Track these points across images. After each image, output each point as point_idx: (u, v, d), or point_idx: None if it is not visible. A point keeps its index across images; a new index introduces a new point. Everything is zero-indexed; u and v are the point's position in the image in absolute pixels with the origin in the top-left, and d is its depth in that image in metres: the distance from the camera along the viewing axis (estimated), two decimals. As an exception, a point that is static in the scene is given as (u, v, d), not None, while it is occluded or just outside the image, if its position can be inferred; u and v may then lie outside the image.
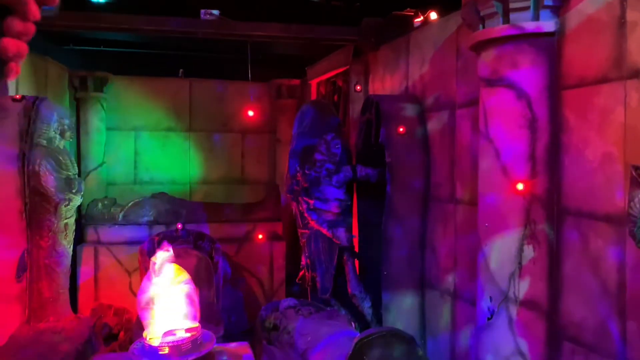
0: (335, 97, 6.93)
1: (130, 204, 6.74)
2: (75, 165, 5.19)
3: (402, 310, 4.84)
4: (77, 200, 5.28)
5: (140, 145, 8.46)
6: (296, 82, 8.59)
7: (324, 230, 4.92)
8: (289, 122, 8.65)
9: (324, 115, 5.43)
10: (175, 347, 2.94)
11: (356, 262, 5.12)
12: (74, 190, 5.07)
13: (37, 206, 4.89)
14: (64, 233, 5.11)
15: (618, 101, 2.89)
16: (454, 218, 4.44)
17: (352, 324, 4.46)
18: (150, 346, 2.98)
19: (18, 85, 5.46)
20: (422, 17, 5.79)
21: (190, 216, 6.66)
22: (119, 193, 7.74)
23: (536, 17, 3.27)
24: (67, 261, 5.33)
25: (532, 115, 3.31)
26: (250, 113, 7.08)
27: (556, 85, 3.30)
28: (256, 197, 7.89)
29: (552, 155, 3.30)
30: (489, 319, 3.43)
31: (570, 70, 3.22)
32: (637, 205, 2.08)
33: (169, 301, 2.90)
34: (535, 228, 3.30)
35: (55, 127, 4.98)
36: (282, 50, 7.48)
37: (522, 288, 3.31)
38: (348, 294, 4.97)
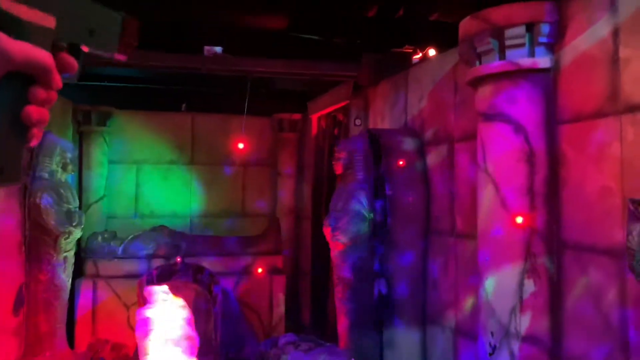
0: (336, 131, 7.00)
1: (130, 237, 6.73)
2: (77, 198, 5.22)
3: (404, 346, 4.77)
4: (77, 233, 5.28)
5: (142, 178, 8.50)
6: (297, 116, 8.69)
7: None
8: (290, 155, 8.74)
9: None
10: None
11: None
12: (74, 223, 5.08)
13: (36, 239, 4.90)
14: (63, 266, 5.11)
15: (614, 135, 2.93)
16: (454, 251, 4.43)
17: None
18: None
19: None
20: (420, 54, 5.91)
21: (190, 249, 6.64)
22: (119, 226, 7.73)
23: (532, 54, 3.34)
24: (65, 295, 5.30)
25: (529, 149, 3.34)
26: (240, 145, 6.98)
27: (553, 119, 3.34)
28: (257, 230, 7.88)
29: (550, 189, 3.31)
30: (490, 354, 3.38)
31: (567, 105, 3.27)
32: (636, 239, 2.08)
33: (166, 334, 2.87)
34: (536, 262, 3.29)
35: (57, 160, 5.04)
36: (284, 85, 7.60)
37: (524, 323, 3.27)
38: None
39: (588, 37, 3.09)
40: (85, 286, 6.41)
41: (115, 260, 6.54)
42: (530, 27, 3.30)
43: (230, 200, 8.75)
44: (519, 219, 3.31)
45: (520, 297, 3.30)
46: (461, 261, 4.32)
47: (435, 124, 4.75)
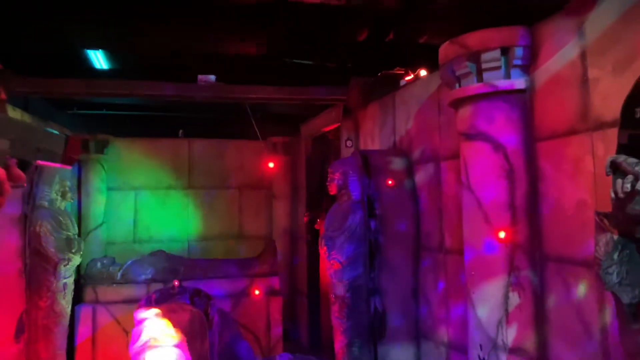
0: (328, 153, 7.16)
1: (128, 263, 6.82)
2: (76, 225, 5.33)
3: (398, 363, 4.84)
4: (77, 260, 5.38)
5: (140, 204, 8.63)
6: (290, 139, 8.87)
7: None
8: (284, 177, 8.89)
9: None
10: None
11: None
12: (73, 250, 5.19)
13: (36, 266, 5.00)
14: (63, 293, 5.19)
15: (587, 151, 3.07)
16: (444, 267, 4.53)
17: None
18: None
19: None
20: (412, 75, 6.08)
21: (188, 273, 6.73)
22: (118, 252, 7.83)
23: (507, 76, 3.50)
24: (65, 321, 5.37)
25: (509, 166, 3.48)
26: (271, 165, 7.42)
27: (531, 137, 3.49)
28: (254, 252, 7.96)
29: (531, 204, 3.45)
30: (479, 367, 3.47)
31: (543, 123, 3.42)
32: (602, 249, 2.20)
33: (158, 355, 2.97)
34: (519, 275, 3.40)
35: (57, 188, 5.16)
36: (277, 109, 7.78)
37: (510, 335, 3.37)
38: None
39: (559, 59, 3.26)
40: (85, 312, 6.47)
41: (114, 285, 6.63)
42: (505, 51, 3.46)
43: (226, 223, 8.87)
44: (502, 234, 3.43)
45: (506, 310, 3.40)
46: (451, 276, 4.43)
47: (422, 144, 4.91)
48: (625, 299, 2.08)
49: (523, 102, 3.51)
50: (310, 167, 8.05)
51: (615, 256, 2.13)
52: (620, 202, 2.05)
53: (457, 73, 3.66)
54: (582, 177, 3.10)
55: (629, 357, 2.12)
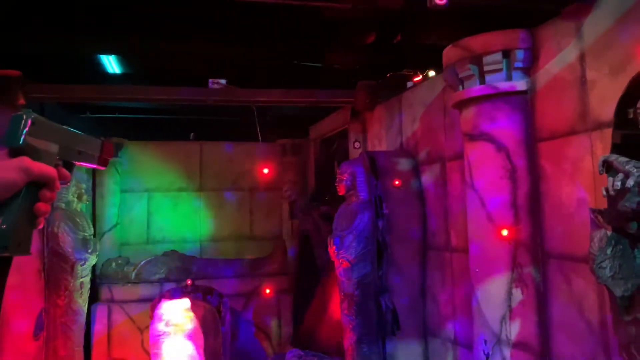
0: (336, 154, 7.28)
1: (142, 263, 6.99)
2: (91, 226, 5.49)
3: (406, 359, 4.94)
4: (93, 260, 5.55)
5: (153, 206, 8.79)
6: (299, 141, 9.00)
7: None
8: (294, 178, 9.02)
9: None
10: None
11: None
12: (89, 250, 5.35)
13: (54, 266, 5.16)
14: (80, 291, 5.35)
15: (586, 151, 3.16)
16: (450, 265, 4.63)
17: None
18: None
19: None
20: (420, 76, 6.16)
21: (200, 272, 6.88)
22: (132, 252, 7.99)
23: (509, 78, 3.60)
24: (82, 319, 5.54)
25: (511, 166, 3.57)
26: (265, 171, 7.57)
27: (532, 137, 3.59)
28: (265, 253, 8.10)
29: (533, 203, 3.54)
30: (483, 361, 3.56)
31: (543, 123, 3.51)
32: (596, 245, 2.29)
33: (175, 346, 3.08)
34: (522, 271, 3.49)
35: (73, 191, 5.34)
36: (286, 112, 7.91)
37: (514, 330, 3.46)
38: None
39: (558, 61, 3.35)
40: (101, 311, 6.65)
41: (129, 285, 6.79)
42: (507, 53, 3.56)
43: (238, 224, 9.00)
44: (505, 232, 3.53)
45: (509, 306, 3.50)
46: (457, 274, 4.52)
47: (428, 145, 5.01)
48: (618, 291, 2.17)
49: (524, 104, 3.60)
50: (318, 168, 8.17)
51: (609, 251, 2.22)
52: (612, 199, 2.14)
53: (460, 75, 3.76)
54: (582, 176, 3.19)
55: (622, 347, 2.21)
